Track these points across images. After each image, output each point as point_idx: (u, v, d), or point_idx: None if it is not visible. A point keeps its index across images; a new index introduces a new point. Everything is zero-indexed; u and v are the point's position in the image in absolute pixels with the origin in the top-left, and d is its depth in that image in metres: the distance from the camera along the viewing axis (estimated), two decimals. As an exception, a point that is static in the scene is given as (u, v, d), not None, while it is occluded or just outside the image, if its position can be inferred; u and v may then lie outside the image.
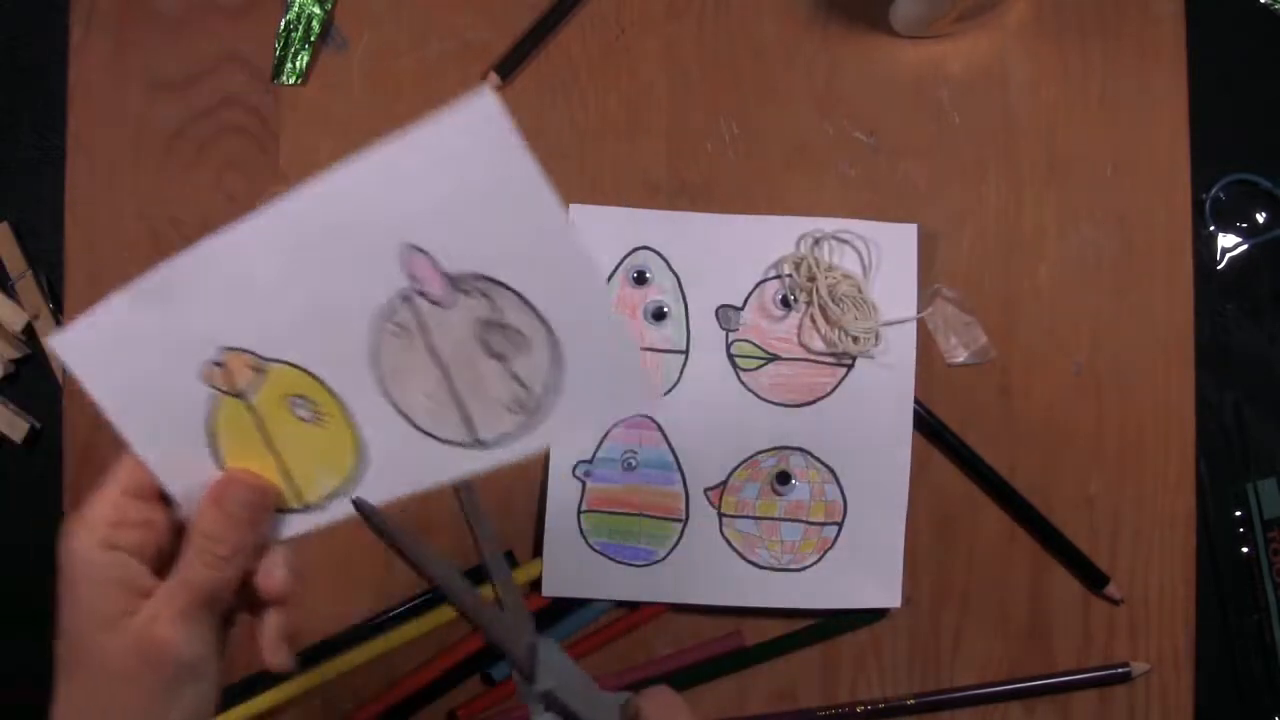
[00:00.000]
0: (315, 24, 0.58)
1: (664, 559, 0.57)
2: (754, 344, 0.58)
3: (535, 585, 0.57)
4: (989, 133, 0.60)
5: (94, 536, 0.38)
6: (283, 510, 0.42)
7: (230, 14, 0.59)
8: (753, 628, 0.58)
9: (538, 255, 0.37)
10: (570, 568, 0.57)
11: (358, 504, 0.40)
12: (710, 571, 0.57)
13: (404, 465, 0.40)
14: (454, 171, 0.35)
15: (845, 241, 0.58)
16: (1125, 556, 0.59)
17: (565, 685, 0.39)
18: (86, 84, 0.59)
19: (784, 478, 0.57)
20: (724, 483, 0.58)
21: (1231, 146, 0.61)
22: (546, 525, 0.57)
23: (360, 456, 0.41)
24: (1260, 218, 0.62)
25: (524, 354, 0.38)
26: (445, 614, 0.57)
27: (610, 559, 0.57)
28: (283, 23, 0.58)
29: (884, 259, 0.58)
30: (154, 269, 0.38)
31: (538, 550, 0.58)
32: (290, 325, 0.39)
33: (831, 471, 0.58)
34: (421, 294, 0.38)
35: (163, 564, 0.40)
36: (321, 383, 0.40)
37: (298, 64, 0.59)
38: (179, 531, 0.41)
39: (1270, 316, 0.61)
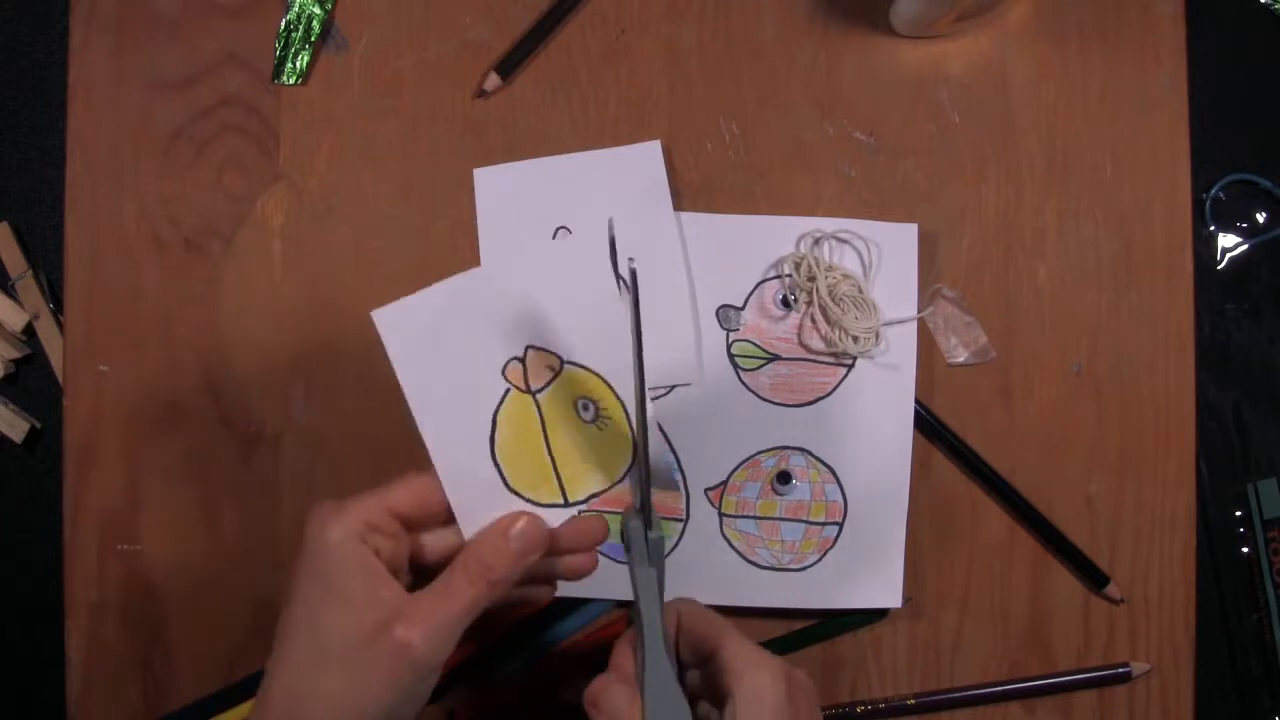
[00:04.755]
0: (315, 24, 0.58)
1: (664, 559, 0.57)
2: (754, 344, 0.58)
3: (535, 585, 0.58)
4: (989, 133, 0.60)
5: (349, 529, 0.40)
6: (546, 505, 0.45)
7: (230, 14, 0.59)
8: (753, 628, 0.58)
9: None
10: (570, 568, 0.57)
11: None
12: (710, 571, 0.57)
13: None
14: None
15: (845, 241, 0.58)
16: (1125, 556, 0.59)
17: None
18: (86, 84, 0.59)
19: (784, 477, 0.57)
20: (724, 482, 0.58)
21: (1231, 146, 0.61)
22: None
23: (631, 461, 0.45)
24: (1260, 218, 0.62)
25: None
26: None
27: (611, 559, 0.57)
28: (283, 23, 0.58)
29: (884, 259, 0.58)
30: (478, 267, 0.43)
31: (538, 550, 0.58)
32: (589, 333, 0.44)
33: (832, 471, 0.58)
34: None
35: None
36: (611, 388, 0.44)
37: (298, 64, 0.59)
38: (415, 568, 0.43)
39: (1270, 316, 0.61)
